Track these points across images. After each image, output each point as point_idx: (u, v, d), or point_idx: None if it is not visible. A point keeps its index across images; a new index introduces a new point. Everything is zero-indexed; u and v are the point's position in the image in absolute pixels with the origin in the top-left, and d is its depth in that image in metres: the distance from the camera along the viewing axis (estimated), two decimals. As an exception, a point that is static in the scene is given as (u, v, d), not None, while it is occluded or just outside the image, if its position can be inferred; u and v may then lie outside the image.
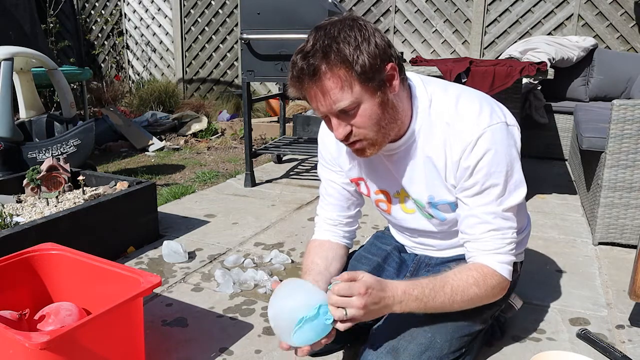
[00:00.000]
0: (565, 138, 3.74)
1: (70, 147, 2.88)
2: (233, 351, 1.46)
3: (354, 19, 1.09)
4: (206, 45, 5.74)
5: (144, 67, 6.18)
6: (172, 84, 5.73)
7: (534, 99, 3.66)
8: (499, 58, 3.93)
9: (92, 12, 6.31)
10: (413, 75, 1.24)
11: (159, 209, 2.49)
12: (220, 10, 5.57)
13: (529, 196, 1.34)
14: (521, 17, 4.48)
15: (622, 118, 2.04)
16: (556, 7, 4.36)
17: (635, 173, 2.08)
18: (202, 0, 5.62)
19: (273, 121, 4.85)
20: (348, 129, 1.12)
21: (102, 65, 6.39)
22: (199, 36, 5.74)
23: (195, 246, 2.22)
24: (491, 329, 1.46)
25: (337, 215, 1.44)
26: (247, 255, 2.12)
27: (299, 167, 3.67)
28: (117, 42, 6.21)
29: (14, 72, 2.85)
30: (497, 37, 4.60)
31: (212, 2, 5.58)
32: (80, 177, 2.30)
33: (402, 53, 4.44)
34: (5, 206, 2.12)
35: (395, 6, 4.86)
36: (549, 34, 4.39)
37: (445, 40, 4.78)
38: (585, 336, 1.48)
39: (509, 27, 4.54)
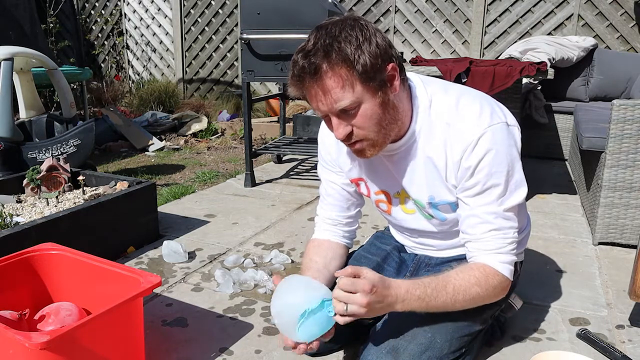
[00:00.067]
0: (565, 138, 3.74)
1: (70, 147, 2.88)
2: (233, 351, 1.45)
3: (355, 18, 1.09)
4: (206, 45, 5.73)
5: (144, 67, 6.18)
6: (172, 84, 5.73)
7: (534, 99, 3.66)
8: (499, 58, 3.93)
9: (92, 12, 6.31)
10: (413, 75, 1.24)
11: (159, 209, 2.49)
12: (220, 10, 5.57)
13: (529, 196, 1.34)
14: (521, 17, 4.48)
15: (622, 118, 2.04)
16: (556, 7, 4.36)
17: (635, 173, 2.08)
18: (202, 0, 5.62)
19: (273, 121, 4.85)
20: (348, 129, 1.12)
21: (102, 65, 6.39)
22: (199, 36, 5.74)
23: (195, 246, 2.22)
24: (491, 329, 1.46)
25: (336, 215, 1.44)
26: (247, 255, 2.12)
27: (299, 167, 3.67)
28: (117, 42, 6.21)
29: (14, 72, 2.85)
30: (497, 37, 4.60)
31: (212, 2, 5.58)
32: (80, 177, 2.30)
33: (402, 53, 4.44)
34: (5, 206, 2.12)
35: (395, 6, 4.86)
36: (549, 34, 4.39)
37: (445, 40, 4.78)
38: (585, 336, 1.48)
39: (509, 27, 4.54)
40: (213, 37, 5.68)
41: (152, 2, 5.92)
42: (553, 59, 3.56)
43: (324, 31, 1.07)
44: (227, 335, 1.53)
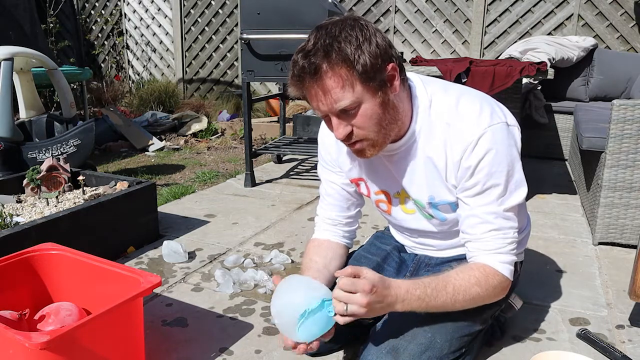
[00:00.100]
0: (565, 138, 3.74)
1: (70, 147, 2.88)
2: (233, 351, 1.45)
3: (355, 19, 1.09)
4: (206, 45, 5.74)
5: (144, 67, 6.18)
6: (172, 84, 5.73)
7: (534, 99, 3.66)
8: (499, 58, 3.93)
9: (92, 12, 6.31)
10: (413, 75, 1.24)
11: (159, 209, 2.49)
12: (220, 10, 5.57)
13: (529, 196, 1.34)
14: (521, 17, 4.48)
15: (622, 118, 2.04)
16: (556, 7, 4.36)
17: (635, 173, 2.08)
18: (202, 0, 5.62)
19: (273, 121, 4.85)
20: (348, 129, 1.12)
21: (102, 65, 6.39)
22: (199, 36, 5.74)
23: (195, 246, 2.22)
24: (491, 329, 1.46)
25: (336, 215, 1.44)
26: (247, 255, 2.12)
27: (299, 167, 3.67)
28: (117, 42, 6.21)
29: (14, 72, 2.85)
30: (497, 37, 4.60)
31: (212, 2, 5.58)
32: (80, 177, 2.30)
33: (402, 53, 4.44)
34: (5, 206, 2.12)
35: (395, 6, 4.86)
36: (549, 34, 4.39)
37: (445, 40, 4.78)
38: (585, 336, 1.48)
39: (509, 27, 4.54)
40: (213, 37, 5.68)
41: (152, 2, 5.92)
42: (553, 59, 3.56)
43: (324, 31, 1.07)
44: (227, 335, 1.53)
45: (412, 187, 1.28)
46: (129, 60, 6.27)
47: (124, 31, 6.18)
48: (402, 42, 4.92)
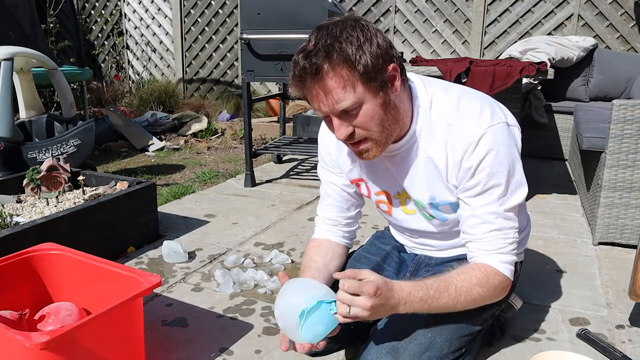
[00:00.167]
0: (565, 138, 3.74)
1: (70, 147, 2.88)
2: (233, 351, 1.45)
3: (356, 19, 1.09)
4: (206, 45, 5.73)
5: (144, 67, 6.18)
6: (172, 84, 5.73)
7: (534, 99, 3.66)
8: (499, 58, 3.93)
9: (92, 12, 6.31)
10: (413, 75, 1.24)
11: (159, 209, 2.49)
12: (220, 10, 5.57)
13: (529, 196, 1.34)
14: (521, 17, 4.48)
15: (622, 118, 2.04)
16: (556, 7, 4.36)
17: (635, 173, 2.08)
18: (202, 0, 5.62)
19: (273, 121, 4.85)
20: (350, 129, 1.12)
21: (102, 65, 6.39)
22: (199, 36, 5.74)
23: (195, 246, 2.21)
24: (491, 329, 1.46)
25: (336, 216, 1.44)
26: (247, 255, 2.12)
27: (299, 167, 3.67)
28: (117, 42, 6.21)
29: (14, 72, 2.85)
30: (497, 37, 4.60)
31: (212, 2, 5.58)
32: (80, 177, 2.30)
33: (402, 53, 4.44)
34: (5, 206, 2.12)
35: (395, 6, 4.86)
36: (549, 34, 4.39)
37: (445, 40, 4.78)
38: (585, 336, 1.48)
39: (509, 27, 4.54)
40: (213, 37, 5.68)
41: (152, 2, 5.92)
42: (553, 59, 3.56)
43: (325, 31, 1.07)
44: (227, 335, 1.53)
45: (412, 187, 1.27)
46: (129, 60, 6.27)
47: (124, 31, 6.18)
48: (402, 42, 4.92)
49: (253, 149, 3.15)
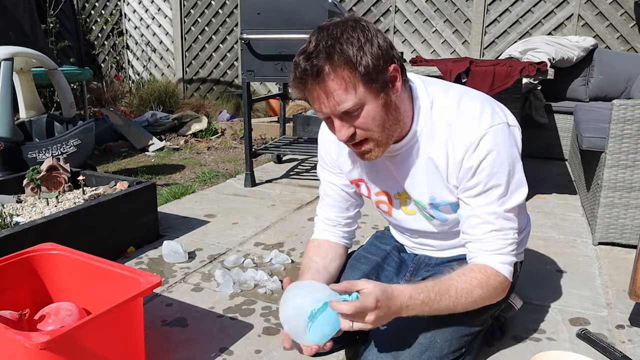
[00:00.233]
0: (565, 138, 3.74)
1: (70, 147, 2.88)
2: (233, 351, 1.45)
3: (356, 19, 1.09)
4: (206, 45, 5.73)
5: (144, 67, 6.18)
6: (172, 84, 5.73)
7: (534, 99, 3.66)
8: (499, 58, 3.93)
9: (92, 12, 6.31)
10: (414, 76, 1.24)
11: (159, 209, 2.49)
12: (220, 10, 5.57)
13: (529, 196, 1.34)
14: (521, 17, 4.48)
15: (622, 118, 2.04)
16: (556, 7, 4.36)
17: (635, 173, 2.08)
18: (202, 0, 5.62)
19: (273, 121, 4.85)
20: (351, 130, 1.11)
21: (102, 65, 6.39)
22: (199, 36, 5.74)
23: (195, 246, 2.21)
24: (491, 329, 1.46)
25: (335, 216, 1.44)
26: (247, 255, 2.12)
27: (299, 167, 3.67)
28: (117, 42, 6.21)
29: (14, 72, 2.85)
30: (497, 37, 4.60)
31: (212, 2, 5.58)
32: (80, 177, 2.30)
33: (402, 53, 4.44)
34: (5, 206, 2.12)
35: (395, 6, 4.86)
36: (549, 34, 4.39)
37: (445, 40, 4.78)
38: (585, 336, 1.48)
39: (509, 27, 4.54)
40: (213, 37, 5.68)
41: (152, 2, 5.92)
42: (553, 59, 3.56)
43: (326, 32, 1.07)
44: (227, 335, 1.53)
45: (413, 187, 1.27)
46: (129, 60, 6.27)
47: (124, 31, 6.18)
48: (402, 42, 4.92)
49: (253, 149, 3.15)
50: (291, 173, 3.49)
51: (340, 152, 1.35)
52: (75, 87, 4.91)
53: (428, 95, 1.20)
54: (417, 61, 2.76)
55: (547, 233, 2.37)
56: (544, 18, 4.41)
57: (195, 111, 5.12)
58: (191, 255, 2.11)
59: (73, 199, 2.20)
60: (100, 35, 6.33)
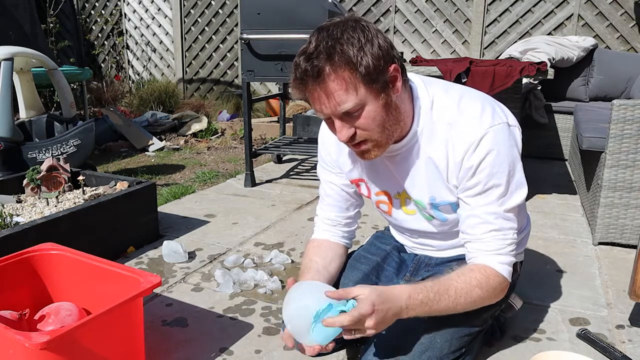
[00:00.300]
0: (565, 138, 3.75)
1: (70, 147, 2.88)
2: (233, 351, 1.46)
3: (356, 20, 1.09)
4: (206, 45, 5.73)
5: (144, 67, 6.18)
6: (172, 84, 5.73)
7: (534, 99, 3.66)
8: (499, 58, 3.93)
9: (92, 12, 6.31)
10: (414, 76, 1.24)
11: (159, 209, 2.49)
12: (220, 10, 5.57)
13: (529, 196, 1.34)
14: (521, 17, 4.48)
15: (622, 118, 2.04)
16: (556, 7, 4.36)
17: (635, 173, 2.08)
18: (202, 0, 5.62)
19: (273, 121, 4.85)
20: (352, 131, 1.11)
21: (102, 65, 6.39)
22: (199, 36, 5.74)
23: (195, 246, 2.21)
24: (491, 329, 1.46)
25: (335, 216, 1.44)
26: (247, 255, 2.12)
27: (299, 167, 3.67)
28: (117, 42, 6.21)
29: (14, 72, 2.85)
30: (497, 37, 4.60)
31: (212, 2, 5.58)
32: (80, 177, 2.30)
33: (402, 53, 4.44)
34: (5, 206, 2.12)
35: (395, 6, 4.86)
36: (549, 34, 4.39)
37: (445, 40, 4.78)
38: (585, 336, 1.48)
39: (509, 27, 4.54)
40: (213, 37, 5.68)
41: (152, 2, 5.92)
42: (553, 59, 3.56)
43: (326, 33, 1.06)
44: (227, 335, 1.53)
45: (413, 187, 1.27)
46: (129, 60, 6.27)
47: (124, 31, 6.18)
48: (402, 42, 4.92)
49: (253, 149, 3.15)
50: (291, 173, 3.49)
51: (340, 152, 1.35)
52: (75, 87, 4.91)
53: (428, 95, 1.20)
54: (417, 61, 2.76)
55: (547, 233, 2.37)
56: (544, 18, 4.41)
57: (195, 111, 5.12)
58: (191, 255, 2.11)
59: (73, 199, 2.20)
60: (100, 35, 6.33)
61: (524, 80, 3.41)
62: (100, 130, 4.12)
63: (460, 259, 1.30)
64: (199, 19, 5.70)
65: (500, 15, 4.55)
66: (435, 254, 1.43)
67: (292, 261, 2.06)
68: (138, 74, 6.23)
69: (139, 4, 6.00)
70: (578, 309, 1.68)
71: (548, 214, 2.62)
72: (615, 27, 4.21)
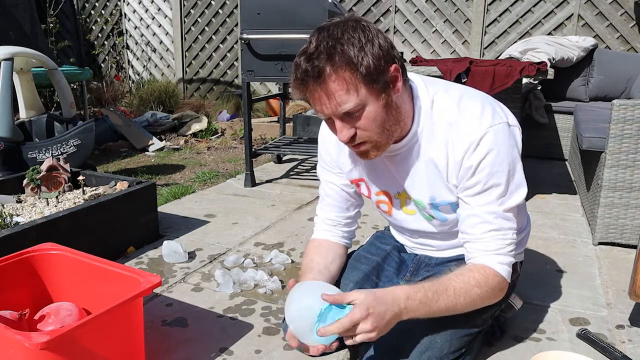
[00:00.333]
0: (565, 138, 3.75)
1: (70, 147, 2.88)
2: (233, 351, 1.45)
3: (356, 20, 1.09)
4: (206, 45, 5.73)
5: (144, 67, 6.18)
6: (172, 84, 5.73)
7: (534, 99, 3.66)
8: (499, 58, 3.93)
9: (92, 12, 6.31)
10: (414, 76, 1.24)
11: (159, 209, 2.49)
12: (220, 10, 5.57)
13: (529, 196, 1.34)
14: (521, 17, 4.48)
15: (622, 118, 2.04)
16: (556, 7, 4.36)
17: (635, 173, 2.08)
18: (202, 0, 5.62)
19: (273, 121, 4.85)
20: (352, 131, 1.11)
21: (102, 65, 6.39)
22: (199, 36, 5.74)
23: (195, 246, 2.21)
24: (491, 329, 1.46)
25: (335, 216, 1.44)
26: (247, 255, 2.12)
27: (299, 167, 3.67)
28: (117, 42, 6.21)
29: (14, 72, 2.85)
30: (497, 37, 4.60)
31: (212, 2, 5.58)
32: (80, 177, 2.30)
33: (402, 53, 4.44)
34: (5, 206, 2.12)
35: (395, 6, 4.86)
36: (549, 34, 4.39)
37: (445, 40, 4.78)
38: (585, 336, 1.48)
39: (509, 27, 4.54)
40: (213, 37, 5.68)
41: (152, 2, 5.92)
42: (553, 59, 3.56)
43: (326, 33, 1.06)
44: (227, 335, 1.53)
45: (413, 187, 1.27)
46: (129, 60, 6.27)
47: (124, 31, 6.18)
48: (402, 42, 4.92)
49: (253, 149, 3.15)
50: (291, 173, 3.49)
51: (340, 152, 1.35)
52: (75, 87, 4.91)
53: (429, 94, 1.20)
54: (417, 61, 2.76)
55: (547, 233, 2.37)
56: (544, 18, 4.41)
57: (195, 111, 5.12)
58: (191, 255, 2.11)
59: (73, 199, 2.20)
60: (100, 35, 6.33)
61: (524, 80, 3.41)
62: (100, 130, 4.12)
63: (460, 259, 1.30)
64: (199, 19, 5.70)
65: (500, 15, 4.55)
66: (436, 254, 1.43)
67: (292, 261, 2.06)
68: (138, 74, 6.23)
69: (139, 4, 6.00)
70: (578, 309, 1.68)
71: (548, 214, 2.62)
72: (615, 27, 4.21)
